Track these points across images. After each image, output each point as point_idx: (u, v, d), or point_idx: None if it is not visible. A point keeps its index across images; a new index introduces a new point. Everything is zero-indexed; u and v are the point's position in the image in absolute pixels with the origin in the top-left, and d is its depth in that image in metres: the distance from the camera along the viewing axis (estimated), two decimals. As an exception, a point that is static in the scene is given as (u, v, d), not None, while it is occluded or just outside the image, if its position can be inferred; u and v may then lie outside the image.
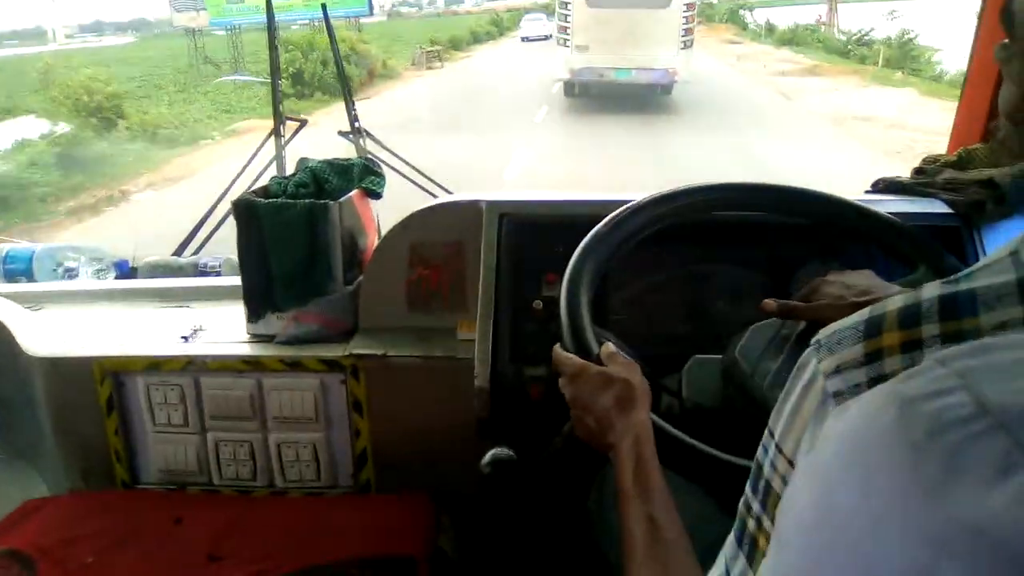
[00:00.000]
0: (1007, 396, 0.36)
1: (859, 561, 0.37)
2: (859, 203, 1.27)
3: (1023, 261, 0.43)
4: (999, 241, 1.36)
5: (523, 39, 34.46)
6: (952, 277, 0.46)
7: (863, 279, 1.07)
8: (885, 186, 1.51)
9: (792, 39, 28.70)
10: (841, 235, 1.33)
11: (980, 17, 1.55)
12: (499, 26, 45.46)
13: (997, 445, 0.34)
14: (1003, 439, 0.34)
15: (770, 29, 32.64)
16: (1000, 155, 1.44)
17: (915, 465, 0.37)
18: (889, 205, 1.37)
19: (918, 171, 1.52)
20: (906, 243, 1.24)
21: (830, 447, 0.44)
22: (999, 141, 1.39)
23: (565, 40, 14.56)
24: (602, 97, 15.40)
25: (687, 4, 14.23)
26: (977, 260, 1.33)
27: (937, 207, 1.41)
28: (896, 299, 0.46)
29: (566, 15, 14.47)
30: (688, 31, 14.37)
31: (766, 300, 1.08)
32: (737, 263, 1.42)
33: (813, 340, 0.49)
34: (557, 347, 1.06)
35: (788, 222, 1.30)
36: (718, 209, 1.27)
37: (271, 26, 2.08)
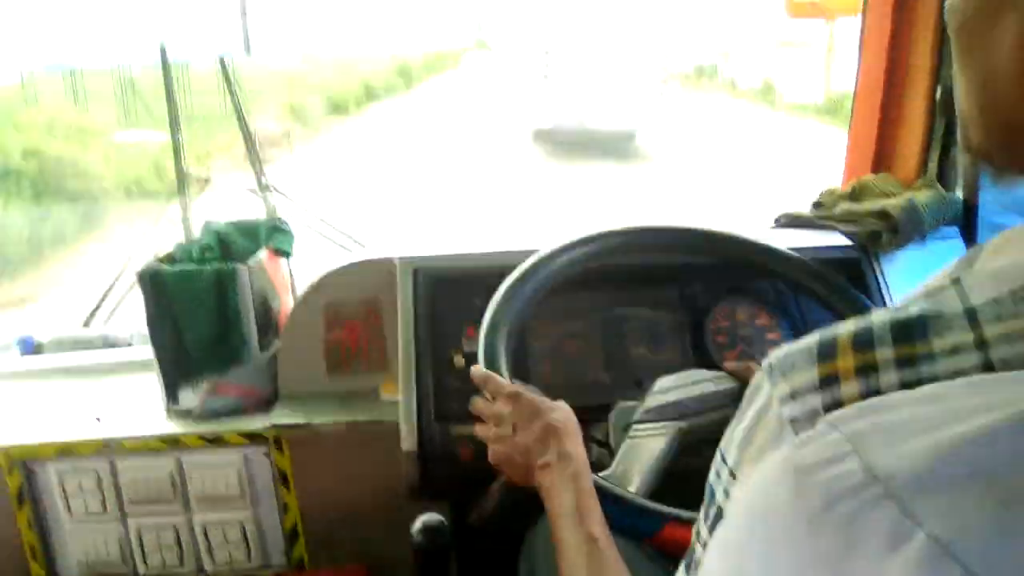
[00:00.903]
0: (893, 461, 0.37)
1: None
2: (766, 242, 1.31)
3: (965, 288, 0.44)
4: (898, 269, 1.43)
5: None
6: (900, 304, 0.47)
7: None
8: (787, 221, 1.56)
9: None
10: (758, 274, 1.37)
11: (860, 51, 1.62)
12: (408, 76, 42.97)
13: (887, 514, 0.35)
14: (892, 508, 0.35)
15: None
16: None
17: (813, 538, 0.37)
18: (793, 240, 1.41)
19: (816, 204, 1.58)
20: (815, 280, 1.28)
21: (736, 516, 0.44)
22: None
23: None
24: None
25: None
26: (879, 288, 1.39)
27: (837, 239, 1.47)
28: (847, 323, 0.46)
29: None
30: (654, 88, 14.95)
31: (727, 362, 1.11)
32: (653, 305, 1.44)
33: (764, 363, 0.49)
34: (478, 368, 1.07)
35: (699, 263, 1.33)
36: (626, 253, 1.29)
37: (167, 74, 2.02)
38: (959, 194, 1.54)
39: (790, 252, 1.31)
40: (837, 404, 0.43)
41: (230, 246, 1.60)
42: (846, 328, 0.46)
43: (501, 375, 1.06)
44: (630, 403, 1.17)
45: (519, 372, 1.11)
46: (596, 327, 1.44)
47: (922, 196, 1.46)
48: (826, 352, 0.45)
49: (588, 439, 1.18)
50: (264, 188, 2.00)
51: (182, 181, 2.06)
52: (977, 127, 0.51)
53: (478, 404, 1.05)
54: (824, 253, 1.42)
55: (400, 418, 1.36)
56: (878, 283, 1.42)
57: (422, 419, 1.35)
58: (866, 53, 1.62)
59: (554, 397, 1.01)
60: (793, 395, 0.45)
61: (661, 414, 1.08)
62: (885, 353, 0.43)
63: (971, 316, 0.43)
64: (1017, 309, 0.42)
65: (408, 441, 1.34)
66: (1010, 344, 0.41)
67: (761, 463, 0.45)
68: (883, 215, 1.43)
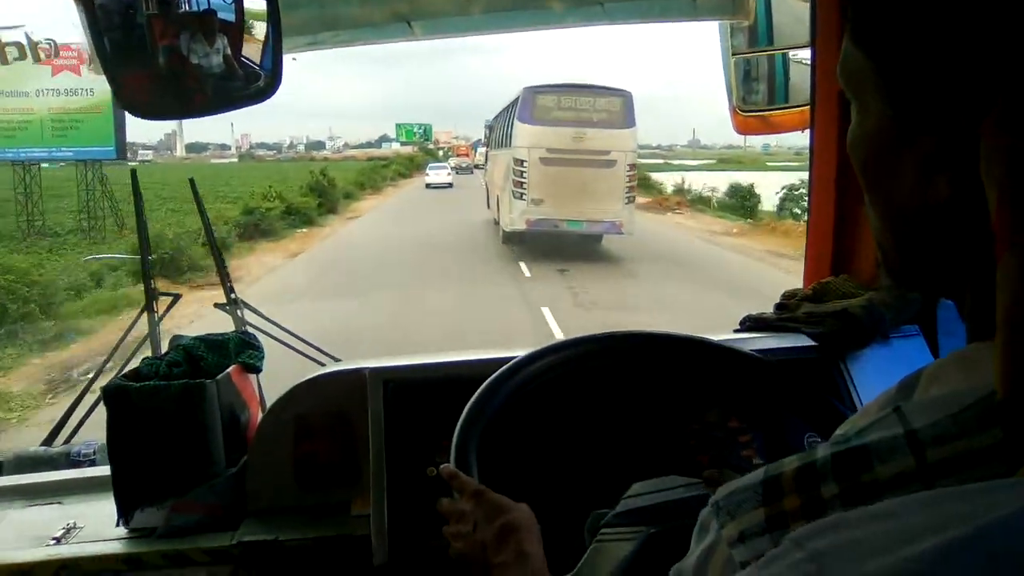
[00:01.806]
0: None
1: None
2: (728, 344, 1.33)
3: (905, 414, 0.44)
4: (864, 369, 1.45)
5: (427, 185, 40.01)
6: (840, 435, 0.47)
7: None
8: (752, 324, 1.59)
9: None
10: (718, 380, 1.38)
11: (812, 161, 1.69)
12: (372, 179, 44.66)
13: None
14: None
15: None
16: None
17: None
18: (757, 342, 1.44)
19: (780, 307, 1.61)
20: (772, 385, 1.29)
21: None
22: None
23: (521, 194, 15.79)
24: (535, 243, 16.61)
25: (629, 164, 16.00)
26: (846, 389, 1.40)
27: (802, 341, 1.49)
28: (791, 459, 0.47)
29: (522, 171, 15.75)
30: (631, 188, 16.14)
31: (708, 471, 1.10)
32: (629, 409, 1.44)
33: (711, 500, 0.49)
34: (447, 466, 1.07)
35: (671, 369, 1.34)
36: (594, 361, 1.30)
37: (137, 197, 2.05)
38: (918, 293, 1.58)
39: (749, 352, 1.32)
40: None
41: (198, 362, 1.59)
42: (791, 463, 0.46)
43: (470, 475, 1.06)
44: (605, 511, 1.16)
45: (493, 475, 1.10)
46: (572, 431, 1.43)
47: (882, 296, 1.50)
48: (771, 493, 0.46)
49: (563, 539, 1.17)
50: (232, 302, 2.01)
51: (151, 298, 2.06)
52: (893, 254, 0.52)
53: (444, 502, 1.05)
54: (789, 355, 1.44)
55: (372, 532, 1.33)
56: (845, 384, 1.43)
57: (394, 533, 1.33)
58: (817, 163, 1.69)
59: (526, 500, 1.01)
60: (742, 537, 0.46)
61: (630, 518, 1.07)
62: (831, 489, 0.44)
63: (912, 439, 0.43)
64: (959, 432, 0.42)
65: (379, 555, 1.31)
66: (956, 471, 0.41)
67: None
68: (845, 315, 1.46)
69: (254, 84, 1.42)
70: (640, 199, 20.38)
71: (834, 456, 0.45)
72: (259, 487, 1.50)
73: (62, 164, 21.90)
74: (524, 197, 15.78)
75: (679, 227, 24.61)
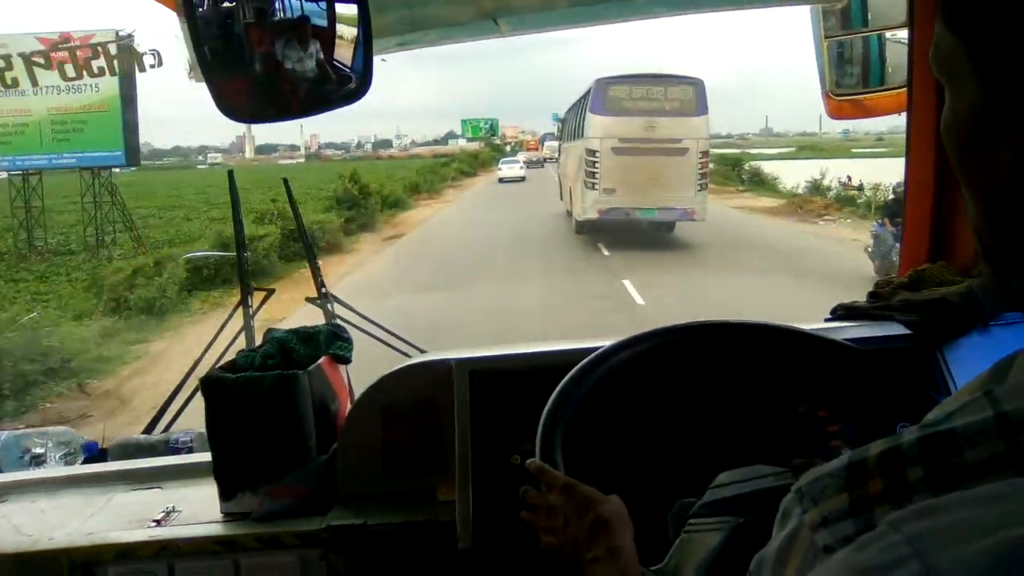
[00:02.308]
0: (954, 565, 0.36)
1: None
2: (819, 333, 1.29)
3: (997, 398, 0.43)
4: (961, 358, 1.39)
5: (500, 180, 39.51)
6: (929, 419, 0.46)
7: None
8: (844, 312, 1.55)
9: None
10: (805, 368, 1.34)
11: (909, 145, 1.64)
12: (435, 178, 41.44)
13: None
14: None
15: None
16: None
17: None
18: (849, 331, 1.40)
19: (873, 295, 1.56)
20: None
21: None
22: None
23: (593, 184, 15.95)
24: (612, 231, 16.71)
25: (702, 152, 16.02)
26: (943, 379, 1.35)
27: (896, 329, 1.44)
28: (877, 443, 0.46)
29: (594, 161, 15.93)
30: (703, 175, 16.13)
31: (797, 460, 1.08)
32: (717, 399, 1.42)
33: (794, 487, 0.48)
34: (534, 460, 1.07)
35: (760, 359, 1.32)
36: (680, 350, 1.29)
37: (235, 200, 2.14)
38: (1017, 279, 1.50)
39: (840, 341, 1.28)
40: (871, 529, 0.42)
41: (291, 353, 1.64)
42: (876, 447, 0.45)
43: (556, 468, 1.06)
44: (691, 500, 1.15)
45: (577, 464, 1.11)
46: (658, 421, 1.42)
47: (982, 283, 1.44)
48: (855, 477, 0.45)
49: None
50: (323, 296, 2.07)
51: (246, 293, 2.14)
52: (989, 240, 0.51)
53: (531, 494, 1.05)
54: (882, 343, 1.39)
55: (457, 518, 1.35)
56: (942, 373, 1.38)
57: (478, 519, 1.34)
58: (914, 147, 1.63)
59: (614, 491, 1.00)
60: (824, 522, 0.45)
61: (718, 509, 1.05)
62: (916, 472, 0.43)
63: (1002, 422, 0.42)
64: None
65: (464, 540, 1.33)
66: None
67: None
68: (942, 303, 1.41)
69: (346, 86, 1.46)
70: (765, 202, 19.62)
71: (920, 440, 0.44)
72: (348, 473, 1.54)
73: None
74: (596, 187, 15.90)
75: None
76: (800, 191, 26.14)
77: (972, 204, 0.51)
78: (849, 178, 23.94)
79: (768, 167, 34.57)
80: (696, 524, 1.06)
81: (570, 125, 20.37)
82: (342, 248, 18.07)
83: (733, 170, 34.90)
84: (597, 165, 15.91)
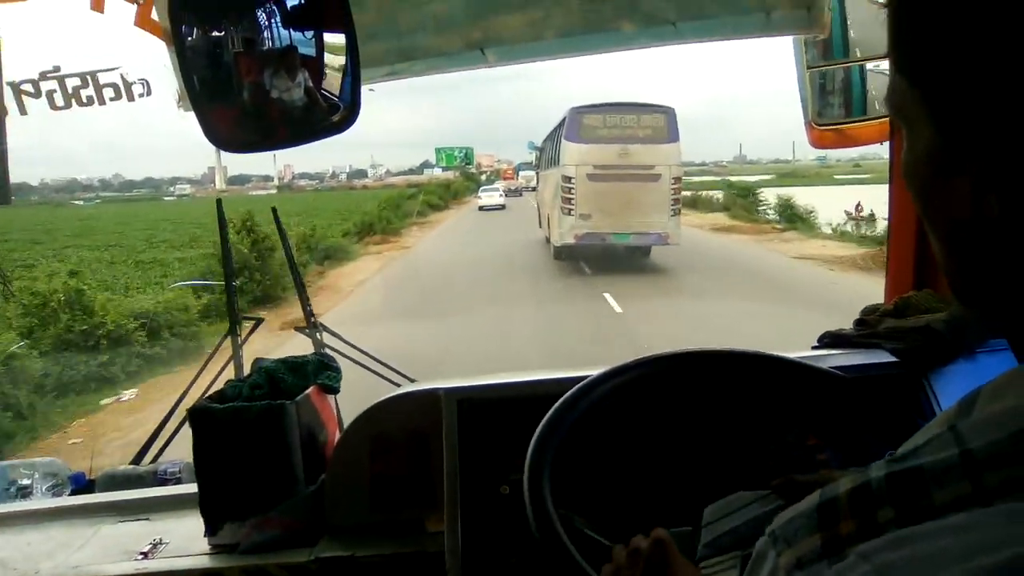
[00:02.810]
0: None
1: None
2: (806, 361, 1.30)
3: (962, 434, 0.43)
4: (947, 385, 1.39)
5: (480, 208, 38.48)
6: (898, 454, 0.46)
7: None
8: (831, 340, 1.55)
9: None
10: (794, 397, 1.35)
11: (892, 174, 1.65)
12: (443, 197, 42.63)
13: None
14: None
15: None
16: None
17: None
18: (836, 359, 1.40)
19: (859, 322, 1.57)
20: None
21: None
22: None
23: (569, 210, 16.30)
24: (588, 258, 17.00)
25: (674, 178, 16.51)
26: (929, 406, 1.35)
27: (883, 357, 1.45)
28: (845, 480, 0.46)
29: (570, 188, 16.32)
30: (676, 200, 16.56)
31: (776, 480, 1.08)
32: (705, 428, 1.42)
33: (768, 530, 0.48)
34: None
35: (747, 387, 1.32)
36: (668, 379, 1.29)
37: (223, 229, 2.14)
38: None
39: (827, 369, 1.29)
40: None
41: (279, 383, 1.64)
42: (845, 485, 0.46)
43: (546, 502, 1.06)
44: (680, 529, 1.14)
45: (567, 496, 1.10)
46: (646, 450, 1.42)
47: (967, 310, 1.45)
48: (827, 517, 0.45)
49: None
50: (312, 326, 2.07)
51: (234, 323, 2.14)
52: (955, 276, 0.52)
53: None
54: (869, 371, 1.40)
55: (446, 549, 1.34)
56: (929, 400, 1.38)
57: (467, 550, 1.33)
58: (898, 175, 1.65)
59: (604, 521, 0.99)
60: (799, 564, 0.45)
61: (722, 546, 1.05)
62: (886, 513, 0.43)
63: (967, 460, 0.42)
64: (1015, 453, 0.41)
65: (453, 572, 1.32)
66: (1013, 494, 0.40)
67: None
68: (927, 330, 1.41)
69: (334, 115, 1.47)
70: (836, 249, 18.33)
71: (889, 477, 0.44)
72: (336, 505, 1.53)
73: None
74: (572, 212, 16.25)
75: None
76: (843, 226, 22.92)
77: (935, 241, 0.52)
78: (859, 206, 22.21)
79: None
80: (711, 567, 1.06)
81: (547, 153, 20.77)
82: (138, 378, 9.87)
83: (747, 199, 31.28)
84: (573, 191, 16.30)
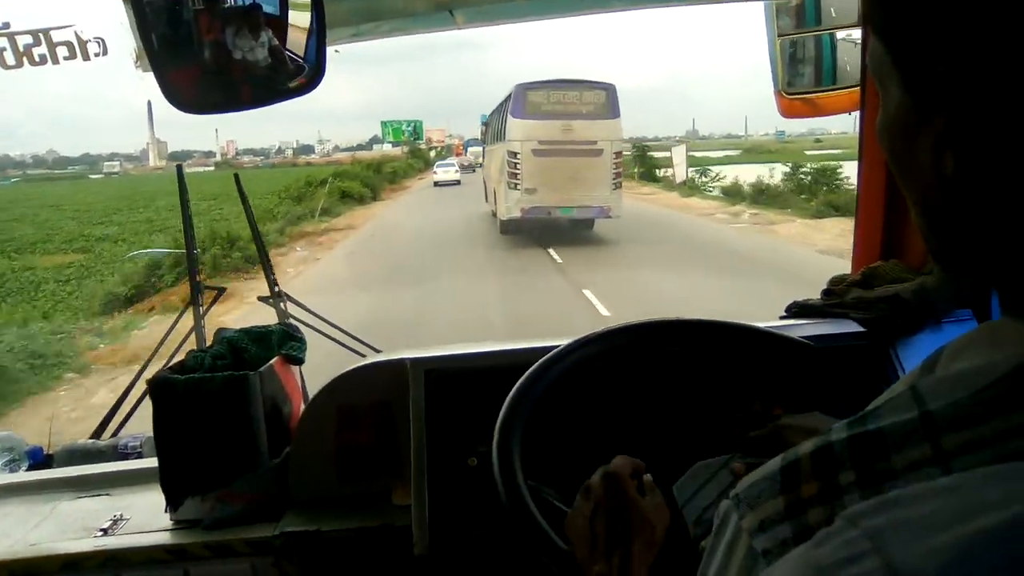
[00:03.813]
0: (917, 560, 0.36)
1: None
2: (774, 330, 1.30)
3: (922, 395, 0.43)
4: (914, 354, 1.41)
5: (436, 184, 37.62)
6: (860, 415, 0.46)
7: (821, 423, 1.06)
8: (798, 310, 1.56)
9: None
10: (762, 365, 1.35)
11: (861, 144, 1.65)
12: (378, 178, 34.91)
13: None
14: None
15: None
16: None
17: None
18: (804, 329, 1.41)
19: (827, 292, 1.58)
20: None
21: None
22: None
23: (515, 184, 16.75)
24: (534, 231, 17.45)
25: (615, 153, 17.15)
26: (896, 375, 1.37)
27: (850, 327, 1.46)
28: (807, 444, 0.46)
29: (515, 163, 16.78)
30: (617, 175, 17.16)
31: (735, 464, 1.08)
32: (673, 398, 1.42)
33: (731, 494, 0.48)
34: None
35: (715, 357, 1.32)
36: (637, 348, 1.28)
37: (184, 196, 2.08)
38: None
39: (795, 338, 1.29)
40: (807, 530, 0.42)
41: (242, 354, 1.60)
42: (806, 448, 0.46)
43: (515, 474, 1.05)
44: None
45: (535, 467, 1.10)
46: (615, 420, 1.41)
47: (933, 280, 1.46)
48: (790, 480, 0.45)
49: None
50: (276, 295, 2.03)
51: (196, 292, 2.09)
52: (931, 238, 0.52)
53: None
54: (836, 341, 1.40)
55: (413, 522, 1.33)
56: (895, 369, 1.40)
57: (435, 523, 1.32)
58: (867, 146, 1.65)
59: (571, 491, 0.99)
60: (762, 526, 0.45)
61: (709, 523, 1.05)
62: (847, 476, 0.43)
63: (927, 422, 0.42)
64: (979, 414, 0.41)
65: (420, 545, 1.31)
66: (972, 454, 0.40)
67: None
68: (894, 300, 1.42)
69: (298, 76, 1.43)
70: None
71: (850, 439, 0.44)
72: (301, 478, 1.50)
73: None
74: (518, 187, 16.70)
75: None
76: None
77: (910, 204, 0.52)
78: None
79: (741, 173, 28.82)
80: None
81: (493, 128, 21.14)
82: None
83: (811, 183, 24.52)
84: (519, 166, 16.74)
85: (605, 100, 17.06)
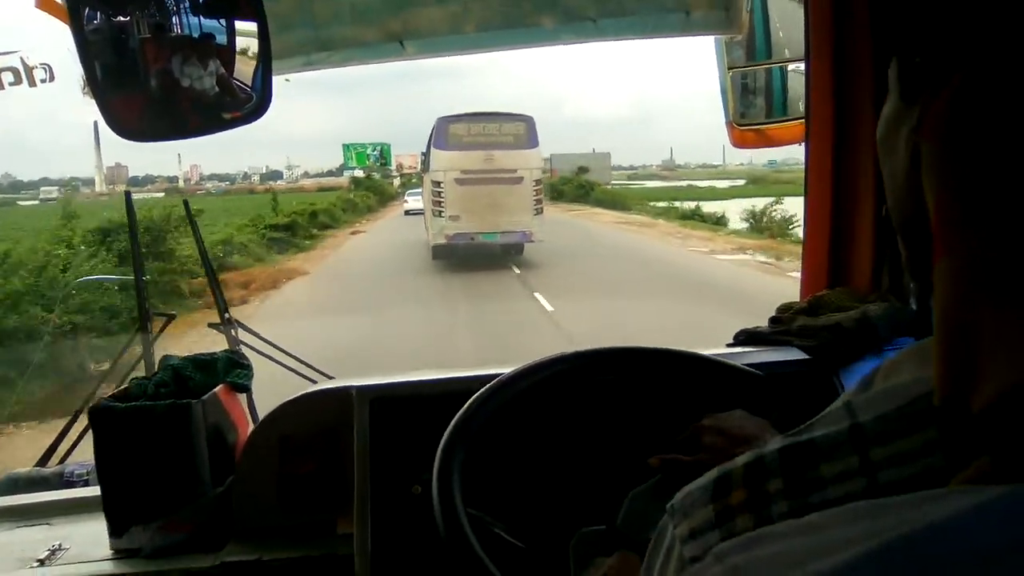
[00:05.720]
0: None
1: None
2: (720, 358, 1.30)
3: (854, 409, 0.44)
4: (856, 380, 1.41)
5: (406, 213, 33.79)
6: (796, 429, 0.47)
7: (738, 422, 1.07)
8: (746, 337, 1.57)
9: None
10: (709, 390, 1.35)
11: (807, 174, 1.68)
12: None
13: None
14: None
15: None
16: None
17: None
18: (750, 356, 1.41)
19: (774, 320, 1.59)
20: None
21: None
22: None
23: (440, 212, 17.37)
24: (467, 256, 18.06)
25: (536, 180, 17.92)
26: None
27: (795, 354, 1.47)
28: (743, 456, 0.47)
29: (439, 192, 17.41)
30: (538, 201, 17.85)
31: (652, 458, 1.08)
32: (618, 425, 1.42)
33: (668, 505, 0.49)
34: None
35: (662, 384, 1.32)
36: (582, 377, 1.28)
37: (132, 222, 2.07)
38: (913, 305, 1.55)
39: (741, 366, 1.30)
40: (734, 536, 0.43)
41: (186, 382, 1.58)
42: (742, 460, 0.47)
43: (455, 500, 1.04)
44: (592, 528, 1.14)
45: (478, 496, 1.09)
46: (559, 449, 1.41)
47: (876, 308, 1.48)
48: (721, 489, 0.46)
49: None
50: (227, 322, 2.02)
51: (145, 319, 2.07)
52: (900, 244, 0.53)
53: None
54: (782, 368, 1.41)
55: (355, 551, 1.31)
56: (838, 395, 1.40)
57: (377, 552, 1.31)
58: (812, 176, 1.68)
59: (516, 521, 0.98)
60: (692, 534, 0.46)
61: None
62: (776, 484, 0.44)
63: (856, 435, 0.43)
64: (903, 428, 0.42)
65: (363, 575, 1.29)
66: (897, 468, 0.41)
67: None
68: (837, 329, 1.44)
69: (246, 105, 1.43)
70: None
71: (782, 451, 0.45)
72: (244, 506, 1.48)
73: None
74: (443, 215, 17.28)
75: None
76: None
77: (887, 195, 0.53)
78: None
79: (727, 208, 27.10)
80: None
81: (425, 159, 21.79)
82: None
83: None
84: (442, 195, 17.34)
85: (524, 131, 17.90)
